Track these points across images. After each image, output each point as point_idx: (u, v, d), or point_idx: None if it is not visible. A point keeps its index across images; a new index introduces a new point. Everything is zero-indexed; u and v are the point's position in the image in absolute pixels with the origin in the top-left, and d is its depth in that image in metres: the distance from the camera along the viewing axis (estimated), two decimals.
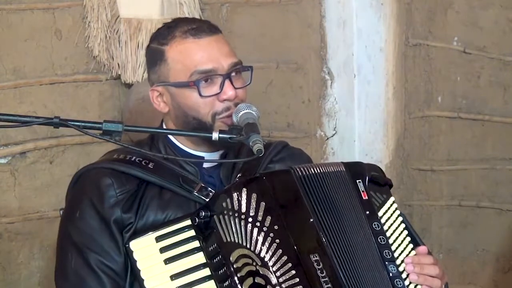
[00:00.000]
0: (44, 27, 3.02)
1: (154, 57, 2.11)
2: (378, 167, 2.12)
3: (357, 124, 3.24)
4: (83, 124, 1.91)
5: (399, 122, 3.30)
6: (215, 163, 2.16)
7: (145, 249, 1.95)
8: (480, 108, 3.21)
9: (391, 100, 3.26)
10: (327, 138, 3.29)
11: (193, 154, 2.13)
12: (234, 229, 1.87)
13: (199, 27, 2.10)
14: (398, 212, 2.05)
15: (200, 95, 2.05)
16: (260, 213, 1.86)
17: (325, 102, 3.27)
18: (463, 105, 3.24)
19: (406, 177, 3.35)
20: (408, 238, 2.01)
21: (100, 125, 1.90)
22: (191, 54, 2.06)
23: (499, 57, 3.15)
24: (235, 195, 1.88)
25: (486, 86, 3.19)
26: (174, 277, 1.91)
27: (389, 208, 2.04)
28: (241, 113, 2.02)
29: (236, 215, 1.87)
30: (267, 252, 1.84)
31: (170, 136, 2.14)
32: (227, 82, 2.06)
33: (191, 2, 3.13)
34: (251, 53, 3.21)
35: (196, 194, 2.05)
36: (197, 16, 3.13)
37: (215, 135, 1.98)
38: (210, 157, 2.15)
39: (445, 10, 3.19)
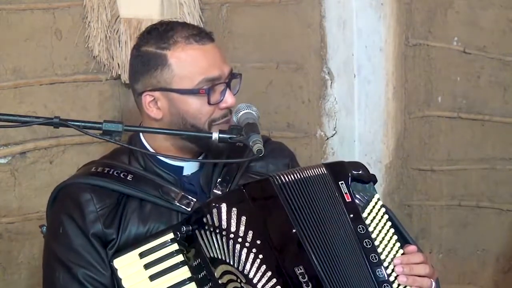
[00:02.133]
0: (44, 27, 3.02)
1: (152, 61, 2.06)
2: (361, 164, 2.08)
3: (357, 124, 3.24)
4: (83, 124, 1.90)
5: (399, 122, 3.30)
6: (195, 170, 2.13)
7: (129, 266, 1.92)
8: (480, 108, 3.21)
9: (391, 100, 3.26)
10: (327, 138, 3.29)
11: (172, 165, 2.10)
12: (216, 245, 1.85)
13: (200, 33, 2.08)
14: (383, 210, 2.02)
15: (209, 103, 2.03)
16: (242, 228, 1.83)
17: (325, 102, 3.26)
18: (463, 105, 3.23)
19: (406, 177, 3.35)
20: (395, 237, 1.99)
21: (100, 125, 1.90)
22: (198, 61, 2.04)
23: (499, 57, 3.15)
24: (214, 210, 1.85)
25: (486, 86, 3.19)
26: None
27: (374, 206, 2.02)
28: (241, 113, 2.02)
29: (217, 231, 1.84)
30: (251, 269, 1.81)
31: (149, 147, 2.11)
32: (228, 90, 2.06)
33: (191, 2, 3.13)
34: (251, 53, 3.21)
35: (177, 204, 2.03)
36: (197, 16, 3.12)
37: (215, 135, 1.98)
38: (189, 166, 2.12)
39: (445, 10, 3.19)
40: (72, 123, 1.90)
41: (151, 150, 2.11)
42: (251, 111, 2.03)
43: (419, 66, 3.26)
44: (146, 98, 2.08)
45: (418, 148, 3.32)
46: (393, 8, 3.20)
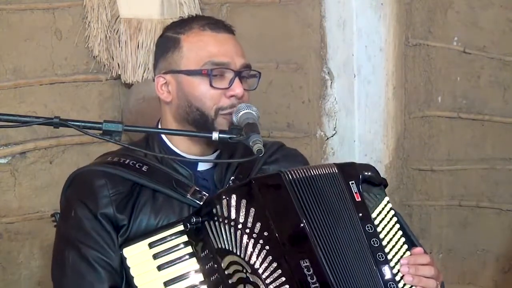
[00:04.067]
0: (44, 27, 3.02)
1: (167, 44, 2.12)
2: (373, 167, 2.10)
3: (357, 124, 3.24)
4: (83, 124, 1.91)
5: (399, 122, 3.30)
6: (209, 166, 2.16)
7: (138, 256, 1.95)
8: (480, 108, 3.21)
9: (391, 100, 3.26)
10: (327, 138, 3.29)
11: (187, 157, 2.12)
12: (224, 236, 1.87)
13: (218, 22, 2.14)
14: (392, 212, 2.03)
15: (211, 85, 2.05)
16: (250, 220, 1.85)
17: (325, 102, 3.26)
18: (463, 105, 3.24)
19: (406, 177, 3.35)
20: (403, 239, 2.00)
21: (100, 125, 1.90)
22: (208, 45, 2.08)
23: (499, 57, 3.15)
24: (224, 201, 1.87)
25: (486, 86, 3.19)
26: (167, 283, 1.91)
27: (383, 208, 2.03)
28: (241, 113, 2.03)
29: (226, 221, 1.86)
30: (257, 259, 1.83)
31: (165, 139, 2.14)
32: (236, 80, 2.08)
33: (191, 2, 3.13)
34: (251, 53, 3.19)
35: (190, 197, 2.05)
36: None
37: (215, 135, 1.98)
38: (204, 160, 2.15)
39: (445, 10, 3.19)
40: (72, 123, 1.90)
41: (167, 142, 2.14)
42: (251, 111, 2.03)
43: (419, 66, 3.26)
44: (159, 81, 2.13)
45: (418, 148, 3.32)
46: (393, 8, 3.21)
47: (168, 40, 2.13)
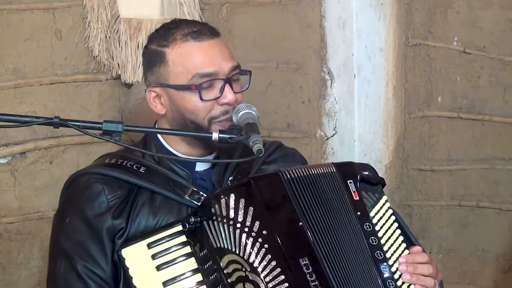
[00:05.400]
0: (44, 27, 3.02)
1: (153, 58, 2.11)
2: (371, 166, 2.10)
3: (357, 124, 3.24)
4: (83, 124, 1.91)
5: (399, 122, 3.30)
6: (207, 166, 2.16)
7: (137, 256, 1.95)
8: (480, 108, 3.21)
9: (391, 100, 3.26)
10: (327, 138, 3.29)
11: (185, 160, 2.13)
12: (223, 235, 1.87)
13: (200, 30, 2.10)
14: (390, 211, 2.04)
15: (201, 99, 2.05)
16: (249, 219, 1.86)
17: (325, 102, 3.26)
18: (463, 105, 3.24)
19: (406, 177, 3.35)
20: (401, 238, 2.01)
21: (100, 125, 1.91)
22: (193, 57, 2.06)
23: (499, 57, 3.15)
24: (223, 200, 1.87)
25: (486, 86, 3.19)
26: (166, 283, 1.91)
27: (381, 207, 2.04)
28: (241, 113, 2.02)
29: (224, 221, 1.86)
30: (256, 258, 1.83)
31: (163, 141, 2.15)
32: (227, 87, 2.07)
33: (191, 2, 3.13)
34: (251, 53, 3.21)
35: (188, 198, 2.06)
36: (197, 16, 3.12)
37: (215, 135, 1.98)
38: (201, 162, 2.15)
39: (445, 10, 3.19)
40: (72, 123, 1.90)
41: (165, 144, 2.14)
42: (251, 111, 2.03)
43: (419, 66, 3.26)
44: (150, 94, 2.13)
45: (418, 148, 3.32)
46: (393, 8, 3.21)
47: (153, 54, 2.11)
